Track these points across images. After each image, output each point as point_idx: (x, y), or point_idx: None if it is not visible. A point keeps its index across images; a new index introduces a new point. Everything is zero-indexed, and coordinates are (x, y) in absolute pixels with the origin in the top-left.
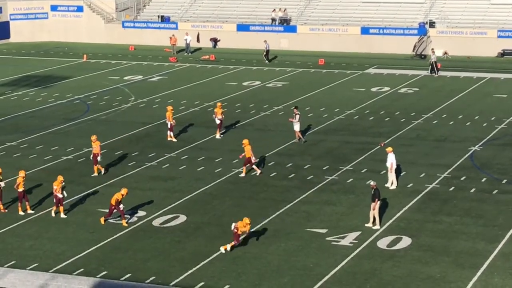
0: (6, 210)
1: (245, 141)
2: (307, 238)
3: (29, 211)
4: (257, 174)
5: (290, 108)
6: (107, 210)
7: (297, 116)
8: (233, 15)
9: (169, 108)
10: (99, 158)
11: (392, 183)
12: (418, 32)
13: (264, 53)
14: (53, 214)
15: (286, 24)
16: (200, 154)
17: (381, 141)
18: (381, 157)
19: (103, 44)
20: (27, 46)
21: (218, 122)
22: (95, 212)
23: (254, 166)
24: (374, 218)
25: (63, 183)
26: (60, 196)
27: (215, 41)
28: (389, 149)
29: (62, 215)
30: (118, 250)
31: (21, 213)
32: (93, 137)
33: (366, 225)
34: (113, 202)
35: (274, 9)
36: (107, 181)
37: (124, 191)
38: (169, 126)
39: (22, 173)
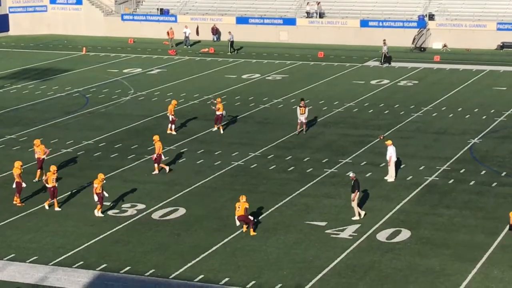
0: (23, 204)
1: (156, 137)
2: (307, 231)
3: (56, 208)
4: (166, 171)
5: (291, 101)
6: (106, 203)
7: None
8: (232, 8)
9: (174, 102)
10: (45, 157)
11: (390, 176)
12: (417, 24)
13: (229, 44)
14: (98, 214)
15: (320, 17)
16: (200, 147)
17: (380, 134)
18: (381, 150)
19: (102, 37)
20: (26, 39)
21: (216, 115)
22: (95, 205)
23: (162, 164)
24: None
25: (104, 181)
26: (103, 194)
27: (216, 32)
28: (389, 142)
29: (98, 213)
30: (118, 243)
31: (46, 207)
32: (37, 141)
33: (352, 218)
34: (97, 191)
35: (308, 2)
36: (107, 174)
37: (100, 176)
38: (170, 119)
39: (53, 168)
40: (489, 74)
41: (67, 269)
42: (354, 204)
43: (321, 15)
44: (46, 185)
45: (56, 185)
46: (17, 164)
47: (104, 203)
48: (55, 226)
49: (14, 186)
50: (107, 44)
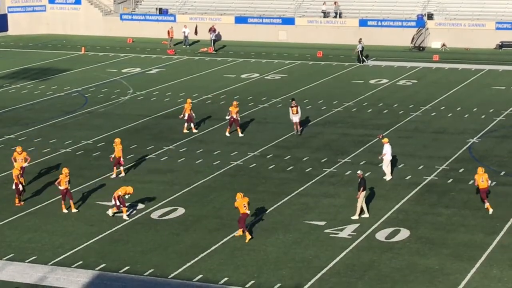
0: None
1: (117, 140)
2: (306, 231)
3: (73, 210)
4: (123, 175)
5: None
6: (106, 203)
7: (297, 108)
8: (231, 7)
9: (188, 100)
10: (26, 164)
11: (386, 174)
12: (416, 24)
13: (211, 42)
14: (110, 214)
15: (338, 17)
16: (199, 146)
17: (379, 133)
18: (379, 150)
19: (101, 36)
20: (25, 38)
21: (230, 119)
22: (94, 205)
23: (121, 168)
24: (362, 209)
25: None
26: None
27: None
28: (385, 140)
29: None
30: (117, 243)
31: (64, 211)
32: (18, 149)
33: (352, 217)
34: (115, 194)
35: (325, 2)
36: (106, 173)
37: (129, 189)
38: (186, 118)
39: (65, 171)
40: (488, 73)
41: (66, 269)
42: (359, 202)
43: (340, 15)
44: (59, 187)
45: (69, 187)
46: (17, 165)
47: (104, 203)
48: (54, 226)
49: (13, 187)
50: (106, 43)
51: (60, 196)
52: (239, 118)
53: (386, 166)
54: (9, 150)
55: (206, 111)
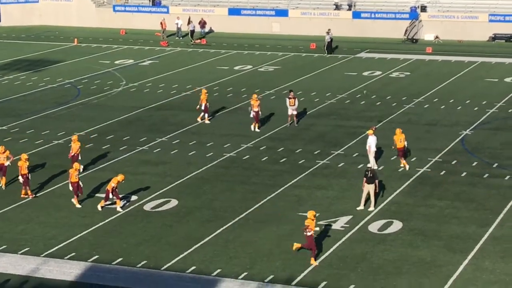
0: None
1: (74, 137)
2: (299, 222)
3: (77, 206)
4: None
5: (283, 92)
6: (98, 195)
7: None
8: None
9: (204, 91)
10: (9, 163)
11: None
12: (409, 16)
13: (182, 33)
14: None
15: (352, 10)
16: (192, 138)
17: (372, 126)
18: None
19: (94, 28)
20: (17, 30)
21: (253, 114)
22: (86, 196)
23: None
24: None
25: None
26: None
27: (203, 26)
28: (370, 131)
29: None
30: (110, 235)
31: (78, 206)
32: (1, 148)
33: (357, 208)
34: (109, 187)
35: None
36: (98, 165)
37: (120, 177)
38: (203, 108)
39: (76, 166)
40: (481, 65)
41: (59, 261)
42: (364, 193)
43: (354, 6)
44: (70, 181)
45: (79, 181)
46: (23, 156)
47: (97, 195)
48: (46, 218)
49: (21, 179)
50: (99, 35)
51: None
52: (260, 113)
53: (370, 156)
54: (1, 142)
55: (199, 102)
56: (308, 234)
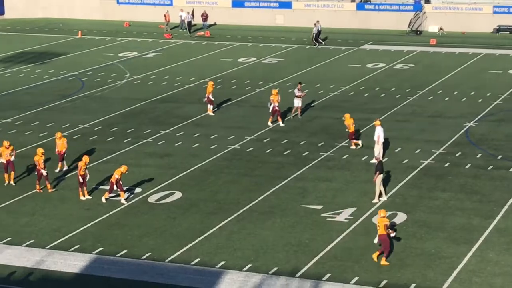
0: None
1: (58, 134)
2: (302, 214)
3: (82, 197)
4: (66, 168)
5: (287, 85)
6: (102, 187)
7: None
8: None
9: (210, 83)
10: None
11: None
12: (413, 8)
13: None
14: (103, 201)
15: (369, 2)
16: (196, 130)
17: (376, 118)
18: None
19: (97, 20)
20: (21, 22)
21: (272, 108)
22: (91, 188)
23: (62, 164)
24: (380, 192)
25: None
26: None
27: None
28: (377, 122)
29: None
30: (114, 227)
31: (83, 198)
32: (6, 143)
33: (373, 201)
34: (113, 179)
35: None
36: (102, 157)
37: (124, 168)
38: (205, 99)
39: (85, 159)
40: (485, 57)
41: (63, 253)
42: (376, 186)
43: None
44: (78, 174)
45: (87, 174)
46: (39, 151)
47: (101, 187)
48: (51, 210)
49: (44, 172)
50: (103, 27)
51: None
52: (277, 108)
53: (378, 147)
54: (6, 134)
55: (203, 94)
56: (392, 235)
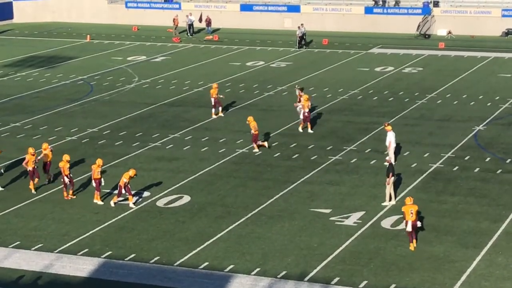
0: (74, 197)
1: (45, 146)
2: (311, 218)
3: (99, 202)
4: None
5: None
6: (111, 191)
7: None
8: None
9: (214, 85)
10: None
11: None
12: (422, 11)
13: (187, 27)
14: (112, 205)
15: (396, 5)
16: (204, 134)
17: (385, 121)
18: (385, 137)
19: (106, 24)
20: (30, 26)
21: (302, 114)
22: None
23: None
24: (390, 196)
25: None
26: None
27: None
28: (389, 127)
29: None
30: (123, 231)
31: (99, 202)
32: (31, 150)
33: (382, 204)
34: (121, 183)
35: None
36: (111, 161)
37: (132, 172)
38: (212, 103)
39: (98, 162)
40: (494, 61)
41: (72, 257)
42: (387, 188)
43: (397, 2)
44: (93, 177)
45: (101, 177)
46: (65, 158)
47: (109, 191)
48: (60, 214)
49: (67, 180)
50: (111, 31)
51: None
52: (307, 114)
53: (390, 153)
54: (14, 138)
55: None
56: (419, 225)
